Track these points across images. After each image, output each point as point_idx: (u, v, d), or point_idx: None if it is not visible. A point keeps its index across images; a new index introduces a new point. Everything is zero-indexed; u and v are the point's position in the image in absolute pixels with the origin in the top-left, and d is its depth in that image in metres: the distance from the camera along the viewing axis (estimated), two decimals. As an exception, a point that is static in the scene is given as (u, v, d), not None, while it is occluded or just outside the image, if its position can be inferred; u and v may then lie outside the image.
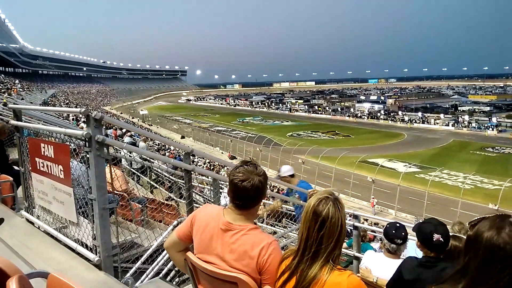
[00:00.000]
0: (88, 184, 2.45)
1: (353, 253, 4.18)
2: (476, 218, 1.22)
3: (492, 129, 55.44)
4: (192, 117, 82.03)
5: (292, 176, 4.87)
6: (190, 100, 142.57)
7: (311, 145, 42.07)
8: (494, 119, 59.92)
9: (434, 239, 2.13)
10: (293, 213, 5.44)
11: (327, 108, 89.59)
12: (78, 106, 45.42)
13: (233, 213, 1.70)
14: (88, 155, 2.38)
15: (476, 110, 73.48)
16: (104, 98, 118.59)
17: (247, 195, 1.66)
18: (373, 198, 25.00)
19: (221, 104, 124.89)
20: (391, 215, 22.74)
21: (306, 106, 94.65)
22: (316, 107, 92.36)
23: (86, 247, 2.50)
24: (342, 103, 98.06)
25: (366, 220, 9.29)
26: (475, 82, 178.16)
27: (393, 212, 23.37)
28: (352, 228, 4.95)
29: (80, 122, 12.59)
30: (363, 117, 75.53)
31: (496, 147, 44.37)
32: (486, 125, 57.74)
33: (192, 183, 6.14)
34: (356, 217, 4.46)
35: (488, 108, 76.03)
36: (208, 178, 6.24)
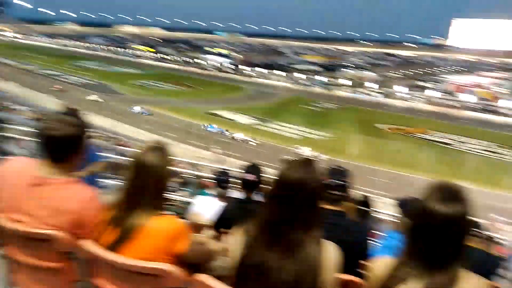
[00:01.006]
0: None
1: (190, 200, 4.38)
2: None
3: (320, 87, 64.03)
4: (13, 57, 68.72)
5: None
6: (14, 38, 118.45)
7: (157, 95, 40.94)
8: (322, 78, 69.23)
9: (245, 178, 2.40)
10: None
11: (176, 58, 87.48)
12: None
13: (47, 167, 1.54)
14: None
15: (308, 70, 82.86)
16: None
17: (58, 145, 1.52)
18: (215, 147, 26.32)
19: (52, 44, 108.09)
20: (231, 163, 24.45)
21: (157, 54, 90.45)
22: (167, 56, 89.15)
23: None
24: (191, 54, 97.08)
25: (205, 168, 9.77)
26: (310, 43, 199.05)
27: (233, 160, 25.16)
28: (191, 176, 5.16)
29: None
30: (210, 69, 76.75)
31: (321, 102, 51.69)
32: (314, 83, 66.30)
33: (10, 135, 5.30)
34: (194, 165, 4.66)
35: (318, 68, 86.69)
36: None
